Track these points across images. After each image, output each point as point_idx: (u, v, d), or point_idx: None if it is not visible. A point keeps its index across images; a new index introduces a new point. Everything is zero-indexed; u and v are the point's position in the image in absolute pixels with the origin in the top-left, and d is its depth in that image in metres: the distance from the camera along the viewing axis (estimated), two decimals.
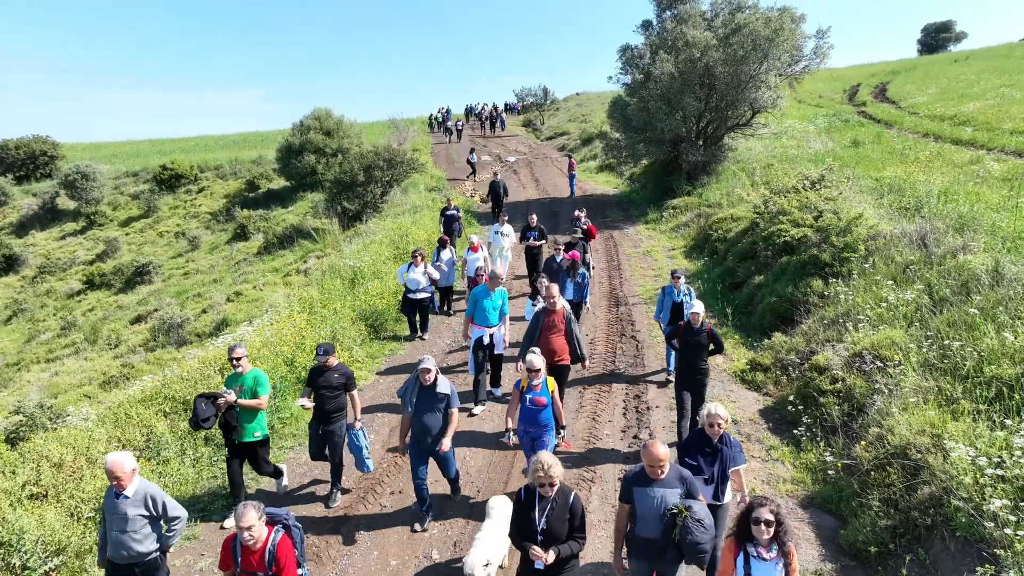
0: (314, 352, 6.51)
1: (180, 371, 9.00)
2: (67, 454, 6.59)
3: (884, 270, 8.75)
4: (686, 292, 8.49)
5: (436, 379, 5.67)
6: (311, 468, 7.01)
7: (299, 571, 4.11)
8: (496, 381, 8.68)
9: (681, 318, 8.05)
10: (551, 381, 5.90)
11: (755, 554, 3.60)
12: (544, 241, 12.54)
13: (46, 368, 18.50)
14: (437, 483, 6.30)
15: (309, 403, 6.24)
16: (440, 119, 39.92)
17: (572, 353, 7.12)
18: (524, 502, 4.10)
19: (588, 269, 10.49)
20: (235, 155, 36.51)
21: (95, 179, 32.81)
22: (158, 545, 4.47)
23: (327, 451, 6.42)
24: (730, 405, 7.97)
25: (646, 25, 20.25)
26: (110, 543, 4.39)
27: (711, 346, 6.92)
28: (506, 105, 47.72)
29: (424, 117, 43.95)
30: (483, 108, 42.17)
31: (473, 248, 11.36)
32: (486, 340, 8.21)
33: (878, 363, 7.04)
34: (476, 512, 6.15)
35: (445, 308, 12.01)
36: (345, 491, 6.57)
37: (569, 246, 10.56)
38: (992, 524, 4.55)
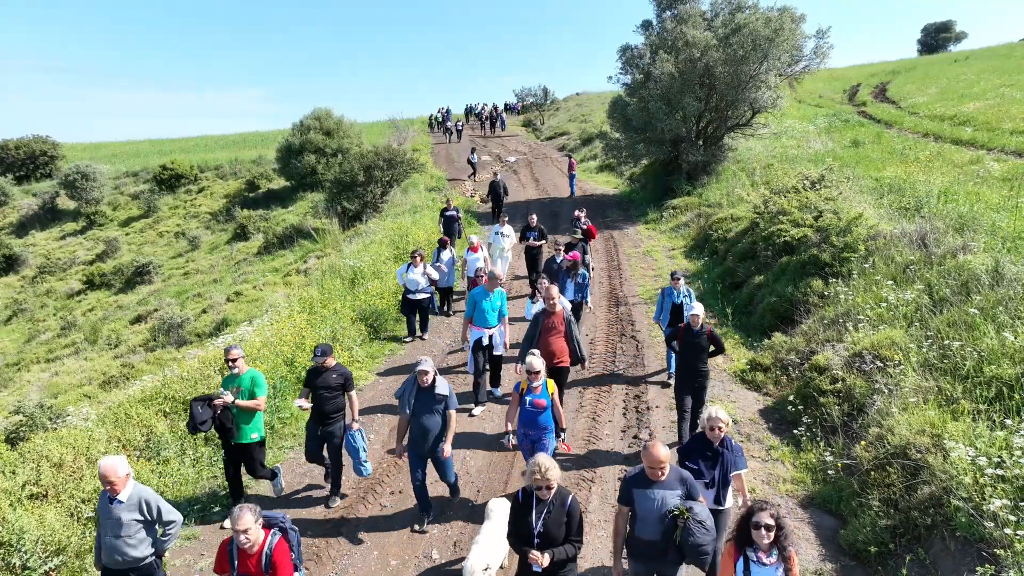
0: (313, 352, 6.47)
1: (180, 371, 9.00)
2: (67, 454, 6.59)
3: (884, 270, 8.75)
4: (686, 293, 8.47)
5: (434, 380, 5.64)
6: (311, 468, 7.00)
7: (296, 574, 4.07)
8: (496, 381, 8.67)
9: (681, 320, 8.03)
10: (551, 383, 5.86)
11: (755, 559, 3.56)
12: (544, 241, 12.53)
13: (46, 368, 18.51)
14: (437, 484, 6.30)
15: (307, 404, 6.19)
16: (440, 119, 39.93)
17: (572, 355, 7.08)
18: (522, 505, 4.07)
19: (588, 269, 10.47)
20: (235, 155, 36.52)
21: (95, 179, 32.82)
22: (153, 550, 4.43)
23: (326, 452, 6.40)
24: (730, 405, 7.97)
25: (646, 25, 20.25)
26: (104, 548, 4.35)
27: (711, 348, 6.90)
28: (506, 105, 47.73)
29: (424, 117, 43.96)
30: (483, 108, 42.18)
31: (473, 248, 11.35)
32: (485, 341, 8.19)
33: (878, 363, 7.04)
34: (476, 513, 6.15)
35: (445, 308, 12.01)
36: (343, 496, 6.51)
37: (569, 247, 10.55)
38: (992, 524, 4.55)
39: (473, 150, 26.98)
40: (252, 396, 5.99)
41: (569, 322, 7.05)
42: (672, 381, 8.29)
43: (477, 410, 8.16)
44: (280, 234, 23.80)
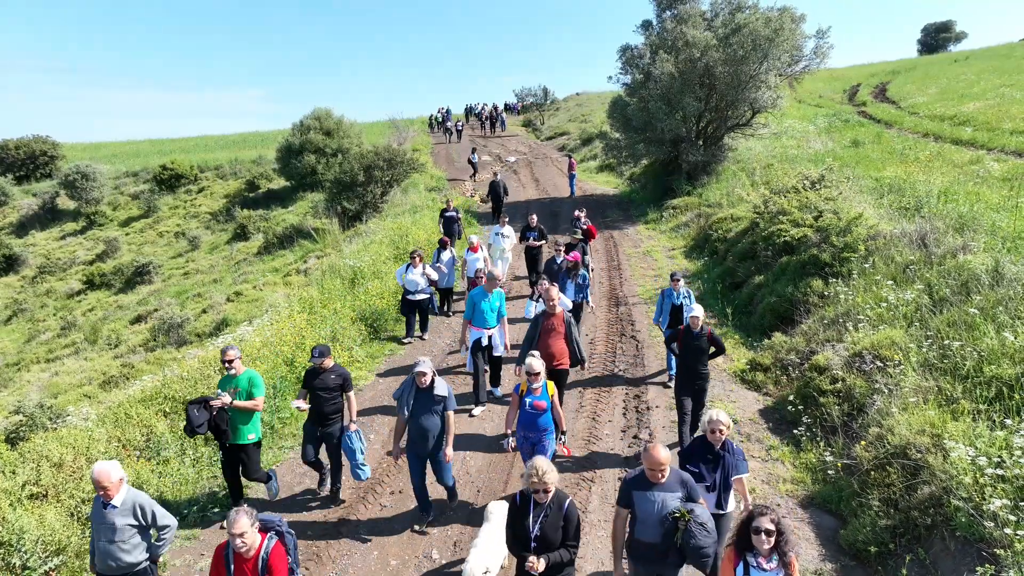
0: (311, 353, 6.41)
1: (180, 371, 9.00)
2: (67, 454, 6.59)
3: (884, 270, 8.75)
4: (685, 295, 8.43)
5: (433, 381, 5.60)
6: (311, 468, 6.97)
7: None
8: (496, 380, 8.67)
9: (680, 321, 7.99)
10: (550, 385, 5.82)
11: (755, 564, 3.51)
12: (544, 241, 12.52)
13: (46, 368, 18.51)
14: (437, 484, 6.29)
15: (304, 405, 6.15)
16: (440, 119, 39.94)
17: (572, 356, 7.04)
18: (519, 508, 4.05)
19: (587, 270, 10.47)
20: (235, 155, 36.53)
21: (95, 179, 32.83)
22: (148, 555, 4.38)
23: (326, 453, 6.37)
24: (730, 405, 7.97)
25: (646, 25, 20.26)
26: (98, 553, 4.30)
27: (712, 349, 6.86)
28: (506, 105, 47.73)
29: (424, 117, 43.96)
30: (483, 108, 42.18)
31: (473, 248, 11.35)
32: (484, 341, 8.17)
33: (878, 363, 7.04)
34: (476, 513, 6.15)
35: (444, 309, 12.00)
36: (341, 502, 6.43)
37: (569, 247, 10.54)
38: (992, 524, 4.55)
39: (474, 150, 26.98)
40: (250, 397, 5.95)
41: (569, 324, 7.01)
42: (672, 382, 8.29)
43: (477, 410, 8.15)
44: (280, 234, 23.81)
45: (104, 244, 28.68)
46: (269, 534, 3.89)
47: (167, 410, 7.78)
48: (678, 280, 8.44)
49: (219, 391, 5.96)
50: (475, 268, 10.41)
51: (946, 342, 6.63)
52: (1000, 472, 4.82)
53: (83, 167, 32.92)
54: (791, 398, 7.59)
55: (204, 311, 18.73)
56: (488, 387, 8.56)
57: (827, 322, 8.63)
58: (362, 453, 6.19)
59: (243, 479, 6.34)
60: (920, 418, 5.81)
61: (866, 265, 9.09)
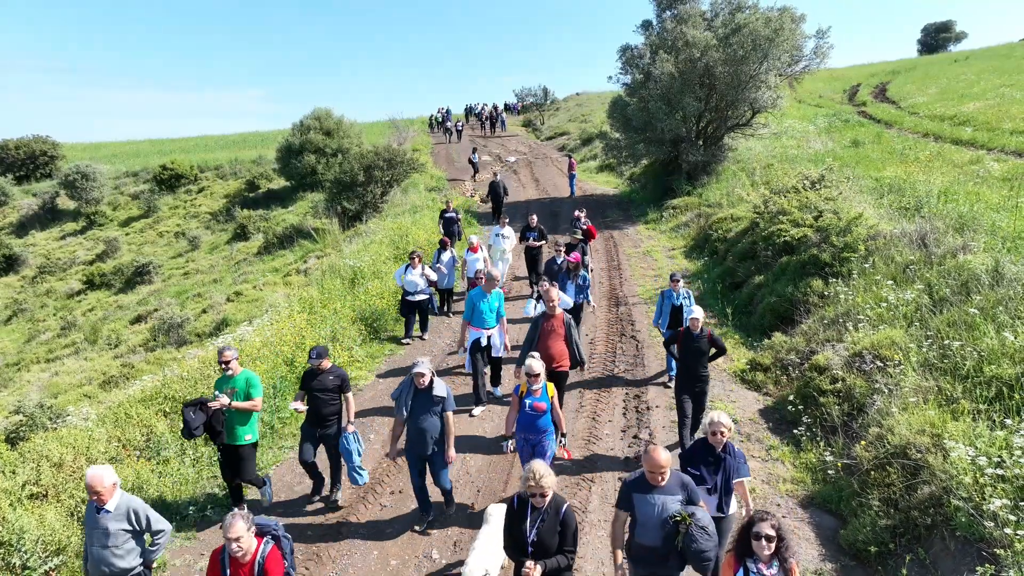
0: (308, 355, 6.36)
1: (180, 371, 9.01)
2: (67, 454, 6.59)
3: (884, 270, 8.75)
4: (685, 295, 8.40)
5: (432, 382, 5.57)
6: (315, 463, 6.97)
7: None
8: (496, 380, 8.66)
9: (681, 322, 7.97)
10: (550, 386, 5.77)
11: (755, 570, 3.47)
12: (544, 242, 12.52)
13: (46, 368, 18.51)
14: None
15: (302, 406, 6.11)
16: (440, 119, 39.94)
17: (571, 358, 6.99)
18: (516, 512, 4.01)
19: (587, 270, 10.45)
20: (235, 155, 36.53)
21: (95, 179, 32.83)
22: (141, 560, 4.33)
23: (326, 455, 6.35)
24: (730, 405, 7.97)
25: (646, 25, 20.26)
26: (91, 559, 4.24)
27: (712, 351, 6.82)
28: (506, 105, 47.73)
29: (424, 117, 43.97)
30: (483, 108, 42.18)
31: (472, 249, 11.33)
32: (484, 342, 8.14)
33: (878, 363, 7.04)
34: (476, 514, 6.15)
35: (444, 310, 12.00)
36: (337, 508, 6.39)
37: (569, 247, 10.53)
38: (992, 524, 4.55)
39: (475, 150, 26.99)
40: (248, 397, 5.91)
41: (569, 325, 6.96)
42: (672, 383, 8.25)
43: (477, 410, 8.15)
44: (280, 234, 23.81)
45: (104, 244, 28.69)
46: (265, 538, 3.85)
47: (167, 410, 7.78)
48: (678, 281, 8.41)
49: (216, 392, 5.91)
50: (475, 269, 10.39)
51: (946, 342, 6.63)
52: (1000, 472, 4.82)
53: (83, 167, 32.92)
54: (791, 398, 7.59)
55: (204, 311, 18.73)
56: (488, 388, 8.55)
57: (827, 322, 8.63)
58: (359, 455, 6.14)
59: (251, 477, 6.31)
60: (920, 418, 5.81)
61: (866, 265, 9.09)
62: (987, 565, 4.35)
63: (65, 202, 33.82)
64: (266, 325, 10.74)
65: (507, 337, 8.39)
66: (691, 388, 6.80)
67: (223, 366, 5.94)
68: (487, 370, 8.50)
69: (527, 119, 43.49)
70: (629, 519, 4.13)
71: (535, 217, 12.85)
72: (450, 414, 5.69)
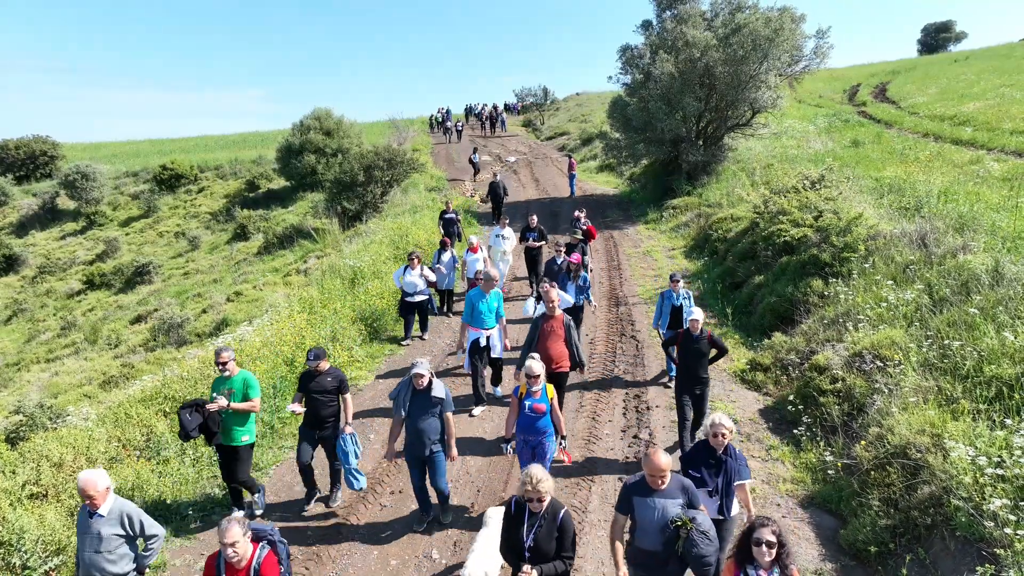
0: (306, 356, 6.28)
1: (180, 371, 9.01)
2: (67, 454, 6.60)
3: (884, 270, 8.75)
4: (685, 296, 8.36)
5: (430, 383, 5.53)
6: (313, 465, 6.96)
7: None
8: (497, 380, 8.63)
9: (681, 323, 7.93)
10: (550, 388, 5.73)
11: None
12: (544, 242, 12.51)
13: (46, 368, 18.51)
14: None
15: (300, 408, 6.06)
16: (440, 119, 39.95)
17: (571, 359, 6.95)
18: (513, 517, 3.97)
19: (587, 271, 10.44)
20: (235, 155, 36.54)
21: (95, 179, 32.83)
22: (134, 566, 4.28)
23: (326, 457, 6.32)
24: (730, 405, 7.98)
25: (646, 25, 20.26)
26: (82, 565, 4.18)
27: (712, 352, 6.76)
28: (506, 105, 47.74)
29: (424, 117, 43.98)
30: (483, 108, 42.18)
31: (472, 249, 11.31)
32: (483, 342, 8.09)
33: (878, 363, 7.04)
34: (477, 512, 6.16)
35: (444, 310, 11.99)
36: (332, 516, 6.31)
37: (569, 247, 10.53)
38: (992, 523, 4.55)
39: (475, 150, 27.00)
40: (246, 398, 5.88)
41: (568, 327, 6.91)
42: (670, 386, 8.21)
43: (477, 410, 8.14)
44: (280, 234, 23.81)
45: (104, 244, 28.69)
46: (261, 543, 3.81)
47: (167, 410, 7.78)
48: (677, 281, 8.38)
49: (214, 395, 5.87)
50: (475, 269, 10.38)
51: (946, 342, 6.63)
52: (1000, 472, 4.82)
53: (83, 167, 32.92)
54: (791, 398, 7.59)
55: (204, 311, 18.73)
56: (488, 389, 8.53)
57: (827, 322, 8.63)
58: (356, 457, 6.04)
59: (246, 479, 6.29)
60: (920, 418, 5.81)
61: (866, 265, 9.09)
62: (987, 565, 4.35)
63: (65, 202, 33.83)
64: (266, 325, 10.74)
65: (507, 338, 8.37)
66: (691, 390, 6.74)
67: (220, 367, 5.91)
68: (487, 371, 8.48)
69: (527, 119, 43.50)
70: (629, 523, 4.08)
71: (535, 217, 12.84)
72: (450, 415, 5.67)
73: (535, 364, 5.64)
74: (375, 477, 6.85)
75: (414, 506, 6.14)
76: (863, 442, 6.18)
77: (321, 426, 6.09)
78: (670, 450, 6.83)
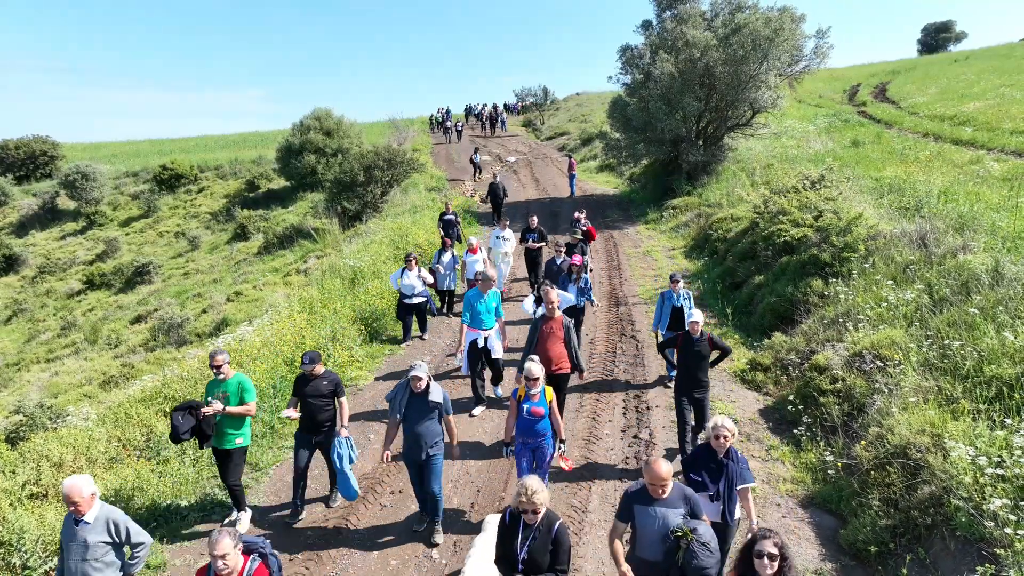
0: (301, 360, 6.16)
1: (180, 371, 9.02)
2: (67, 454, 6.61)
3: (884, 270, 8.75)
4: (686, 296, 8.25)
5: (428, 386, 5.47)
6: (311, 468, 6.96)
7: None
8: (497, 380, 8.61)
9: (682, 324, 7.82)
10: (549, 391, 5.66)
11: None
12: (544, 243, 12.49)
13: (46, 368, 18.51)
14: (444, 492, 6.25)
15: (295, 414, 5.99)
16: (440, 119, 39.96)
17: (571, 361, 6.88)
18: (507, 528, 3.93)
19: (587, 271, 10.42)
20: (235, 155, 36.54)
21: (95, 179, 32.83)
22: (121, 574, 4.21)
23: (325, 460, 6.32)
24: (730, 405, 7.98)
25: (646, 25, 20.26)
26: (68, 574, 4.07)
27: (715, 354, 6.65)
28: (506, 105, 47.74)
29: (424, 117, 43.99)
30: (483, 108, 42.19)
31: (472, 250, 11.28)
32: (481, 343, 8.04)
33: (878, 363, 7.04)
34: (477, 512, 6.16)
35: (444, 311, 11.97)
36: (332, 516, 6.25)
37: (569, 248, 10.52)
38: (992, 523, 4.55)
39: (476, 150, 27.03)
40: (242, 402, 5.83)
41: (568, 329, 6.84)
42: (670, 386, 8.13)
43: (477, 410, 8.13)
44: (280, 234, 23.82)
45: (104, 244, 28.69)
46: (252, 556, 3.74)
47: (167, 410, 7.78)
48: (678, 281, 8.27)
49: (208, 398, 5.82)
50: (474, 270, 10.36)
51: (946, 342, 6.63)
52: (1000, 472, 4.82)
53: (83, 167, 32.93)
54: (791, 398, 7.59)
55: (204, 311, 18.74)
56: (489, 391, 8.50)
57: (827, 322, 8.63)
58: (351, 462, 5.96)
59: (243, 483, 6.28)
60: (920, 418, 5.81)
61: (866, 265, 9.09)
62: (987, 565, 4.35)
63: (65, 202, 33.83)
64: (266, 325, 10.75)
65: (505, 339, 8.34)
66: (690, 393, 6.59)
67: (215, 370, 5.85)
68: (487, 372, 8.46)
69: (527, 119, 43.50)
70: (630, 531, 4.04)
71: (535, 218, 12.82)
72: (450, 417, 5.64)
73: (534, 366, 5.56)
74: (375, 477, 6.85)
75: (414, 506, 6.14)
76: (863, 442, 6.18)
77: (318, 431, 6.03)
78: (671, 454, 6.81)
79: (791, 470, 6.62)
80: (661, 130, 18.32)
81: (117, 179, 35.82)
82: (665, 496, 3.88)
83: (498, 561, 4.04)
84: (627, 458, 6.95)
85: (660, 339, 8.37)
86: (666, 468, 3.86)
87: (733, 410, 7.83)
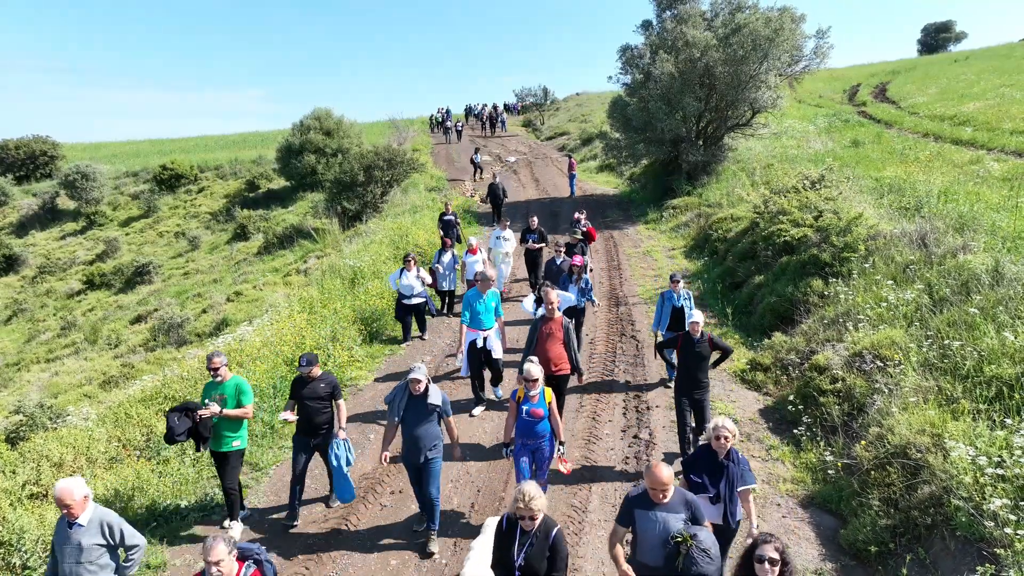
0: (298, 362, 6.11)
1: (180, 371, 9.02)
2: (67, 454, 6.61)
3: (884, 270, 8.75)
4: (686, 296, 8.21)
5: (427, 389, 5.44)
6: (311, 468, 6.95)
7: None
8: (497, 381, 8.60)
9: (682, 324, 7.77)
10: (548, 392, 5.62)
11: None
12: (544, 244, 12.48)
13: (46, 368, 18.51)
14: (444, 493, 6.25)
15: (292, 416, 5.97)
16: (440, 119, 39.96)
17: (570, 364, 6.84)
18: (505, 534, 3.90)
19: (587, 271, 10.40)
20: (235, 155, 36.54)
21: (95, 179, 32.84)
22: None
23: (323, 461, 6.31)
24: (730, 405, 7.98)
25: (646, 25, 20.26)
26: None
27: (716, 355, 6.61)
28: (506, 105, 47.73)
29: (424, 117, 43.99)
30: (483, 109, 42.19)
31: (472, 251, 11.27)
32: (480, 343, 8.01)
33: (878, 363, 7.04)
34: (477, 513, 6.16)
35: (445, 312, 11.97)
36: (332, 516, 6.24)
37: (569, 248, 10.51)
38: (992, 523, 4.55)
39: (477, 150, 27.04)
40: (239, 404, 5.82)
41: (567, 330, 6.80)
42: (670, 386, 8.11)
43: (477, 410, 8.13)
44: (280, 234, 23.82)
45: (104, 244, 28.69)
46: (247, 562, 3.70)
47: (166, 410, 7.77)
48: (678, 282, 8.22)
49: (206, 401, 5.81)
50: (474, 271, 10.35)
51: (946, 342, 6.63)
52: (1000, 472, 4.82)
53: (83, 167, 32.93)
54: (791, 398, 7.59)
55: (204, 311, 18.74)
56: (489, 393, 8.49)
57: (827, 322, 8.63)
58: (348, 464, 5.93)
59: (232, 486, 6.21)
60: (920, 418, 5.81)
61: (866, 265, 9.09)
62: (987, 565, 4.35)
63: (65, 202, 33.84)
64: (266, 325, 10.76)
65: (504, 339, 8.32)
66: (690, 394, 6.54)
67: (212, 372, 5.83)
68: (487, 372, 8.44)
69: (527, 119, 43.50)
70: (630, 536, 4.01)
71: (536, 219, 12.79)
72: (451, 419, 5.62)
73: (533, 368, 5.53)
74: (375, 477, 6.85)
75: (414, 507, 6.14)
76: (863, 442, 6.18)
77: (316, 433, 6.00)
78: (671, 456, 6.80)
79: (791, 470, 6.62)
80: (661, 130, 18.32)
81: (117, 179, 35.82)
82: (666, 501, 3.86)
83: (495, 566, 4.01)
84: (627, 458, 6.96)
85: (660, 340, 8.30)
86: (667, 473, 3.83)
87: (733, 410, 7.83)
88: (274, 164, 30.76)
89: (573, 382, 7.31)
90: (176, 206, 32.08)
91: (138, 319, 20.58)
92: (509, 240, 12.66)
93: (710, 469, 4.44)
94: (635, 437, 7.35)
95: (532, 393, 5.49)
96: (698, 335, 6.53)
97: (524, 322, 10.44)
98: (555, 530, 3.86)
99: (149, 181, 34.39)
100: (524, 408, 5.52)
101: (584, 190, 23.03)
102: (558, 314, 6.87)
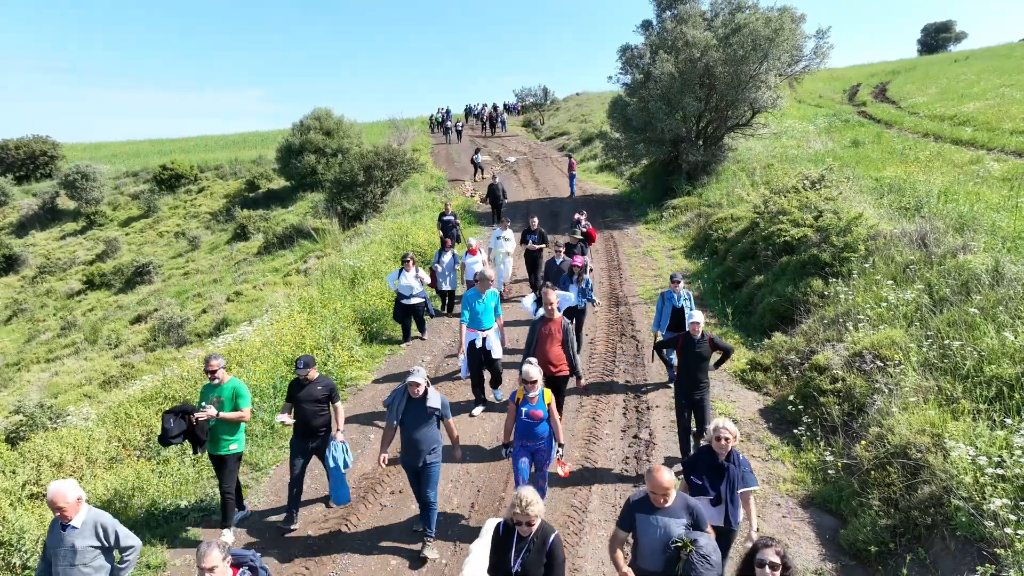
0: (295, 365, 6.10)
1: (180, 371, 9.02)
2: (67, 454, 6.61)
3: (884, 270, 8.75)
4: (686, 297, 8.21)
5: (426, 392, 5.41)
6: (311, 468, 6.95)
7: None
8: (497, 382, 8.59)
9: (682, 324, 7.79)
10: (547, 393, 5.59)
11: None
12: (544, 245, 12.47)
13: (46, 368, 18.51)
14: (443, 494, 6.25)
15: (289, 419, 5.93)
16: (440, 119, 39.96)
17: (568, 366, 6.82)
18: (501, 539, 3.88)
19: (587, 272, 10.39)
20: (235, 155, 36.55)
21: (95, 179, 32.84)
22: None
23: (322, 463, 6.30)
24: (730, 405, 7.98)
25: (646, 25, 20.27)
26: None
27: (716, 356, 6.59)
28: (506, 105, 47.74)
29: (424, 117, 44.01)
30: (483, 109, 42.19)
31: (472, 251, 11.26)
32: (479, 343, 7.98)
33: (878, 363, 7.04)
34: (477, 513, 6.16)
35: (444, 312, 11.96)
36: (332, 516, 6.24)
37: (569, 248, 10.50)
38: (992, 523, 4.55)
39: (477, 150, 27.06)
40: (236, 407, 5.80)
41: (567, 331, 6.77)
42: (672, 383, 8.13)
43: (477, 410, 8.13)
44: (280, 234, 23.82)
45: (104, 244, 28.70)
46: (241, 569, 3.69)
47: (167, 410, 7.77)
48: (678, 282, 8.21)
49: (202, 403, 5.79)
50: (474, 271, 10.35)
51: (946, 342, 6.63)
52: (1000, 472, 4.82)
53: (83, 167, 32.93)
54: (791, 398, 7.59)
55: (204, 311, 18.74)
56: (489, 395, 8.49)
57: (827, 322, 8.63)
58: (345, 466, 5.91)
59: (242, 483, 6.26)
60: (920, 418, 5.81)
61: (866, 265, 9.09)
62: (987, 565, 4.35)
63: (65, 202, 33.84)
64: (266, 325, 10.75)
65: (504, 339, 8.31)
66: (690, 395, 6.52)
67: (209, 375, 5.81)
68: (487, 373, 8.43)
69: (527, 119, 43.50)
70: (633, 541, 4.00)
71: (536, 220, 12.76)
72: (451, 421, 5.59)
73: (532, 369, 5.50)
74: (375, 477, 6.85)
75: (414, 507, 6.13)
76: (863, 442, 6.18)
77: (313, 436, 5.98)
78: (671, 460, 6.78)
79: (791, 470, 6.62)
80: (661, 130, 18.32)
81: (117, 179, 35.83)
82: (667, 505, 3.84)
83: (491, 572, 3.99)
84: (627, 458, 6.95)
85: (660, 340, 8.28)
86: (668, 477, 3.81)
87: (733, 410, 7.83)
88: (274, 164, 30.76)
89: (572, 384, 7.31)
90: (176, 206, 32.08)
91: (138, 319, 20.58)
92: (509, 240, 12.64)
93: (711, 471, 4.42)
94: (635, 437, 7.35)
95: (531, 394, 5.47)
96: (698, 335, 6.51)
97: (524, 322, 10.44)
98: (552, 536, 3.82)
99: (149, 181, 34.40)
100: (523, 409, 5.49)
101: (584, 190, 23.02)
102: (558, 315, 6.85)
